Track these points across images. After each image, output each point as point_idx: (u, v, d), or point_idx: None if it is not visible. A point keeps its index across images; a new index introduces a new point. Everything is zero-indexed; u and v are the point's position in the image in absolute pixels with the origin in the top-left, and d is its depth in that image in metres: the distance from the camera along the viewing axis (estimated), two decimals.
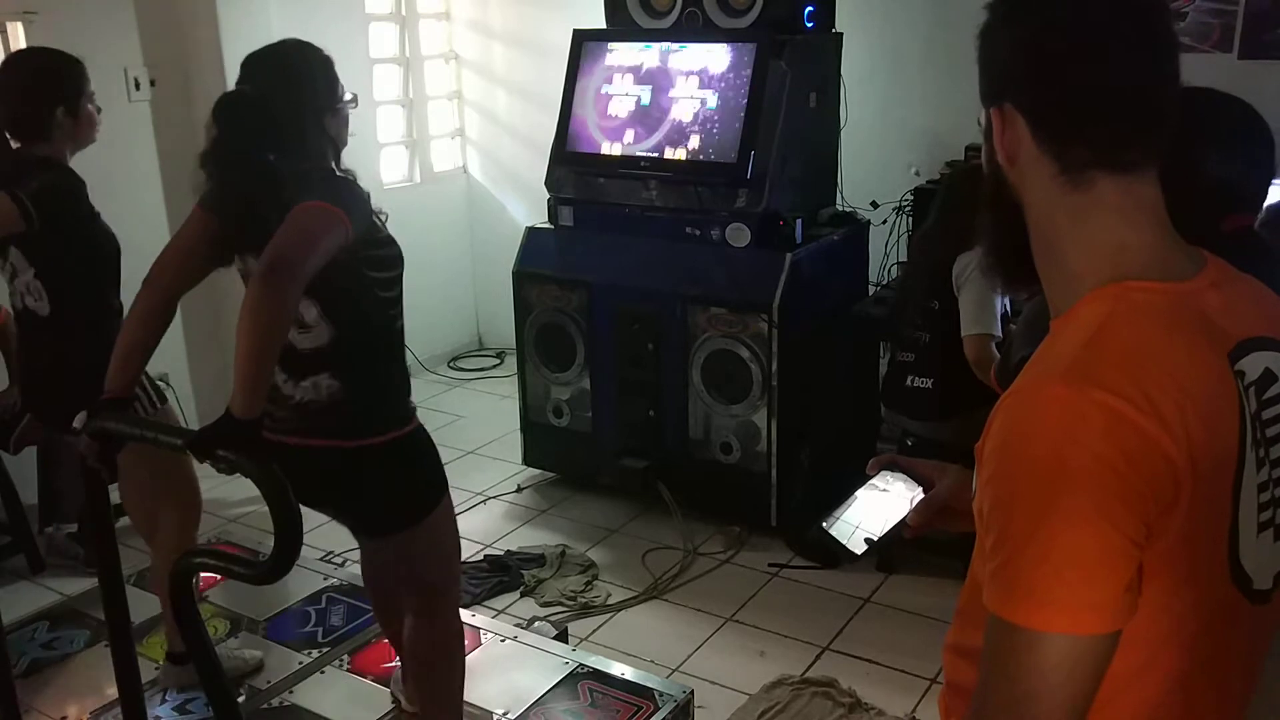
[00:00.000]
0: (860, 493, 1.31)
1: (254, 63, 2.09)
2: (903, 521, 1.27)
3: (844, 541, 1.27)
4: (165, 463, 2.53)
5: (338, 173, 2.10)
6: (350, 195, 1.98)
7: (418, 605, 2.30)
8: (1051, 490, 0.87)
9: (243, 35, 4.14)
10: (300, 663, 2.80)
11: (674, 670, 2.98)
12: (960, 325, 2.96)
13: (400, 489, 2.15)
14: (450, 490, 2.26)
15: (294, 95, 2.04)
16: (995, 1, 1.01)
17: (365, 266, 2.04)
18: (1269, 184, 1.55)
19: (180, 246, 2.10)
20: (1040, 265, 1.03)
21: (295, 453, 2.03)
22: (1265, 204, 1.62)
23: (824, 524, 1.30)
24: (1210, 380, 0.92)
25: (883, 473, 1.32)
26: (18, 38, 3.77)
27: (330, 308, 2.02)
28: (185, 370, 4.31)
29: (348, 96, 2.14)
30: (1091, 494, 0.86)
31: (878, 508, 1.29)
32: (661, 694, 2.62)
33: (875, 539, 1.27)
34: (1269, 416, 0.97)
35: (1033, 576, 0.89)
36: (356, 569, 3.38)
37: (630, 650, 3.06)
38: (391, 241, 2.10)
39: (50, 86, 2.61)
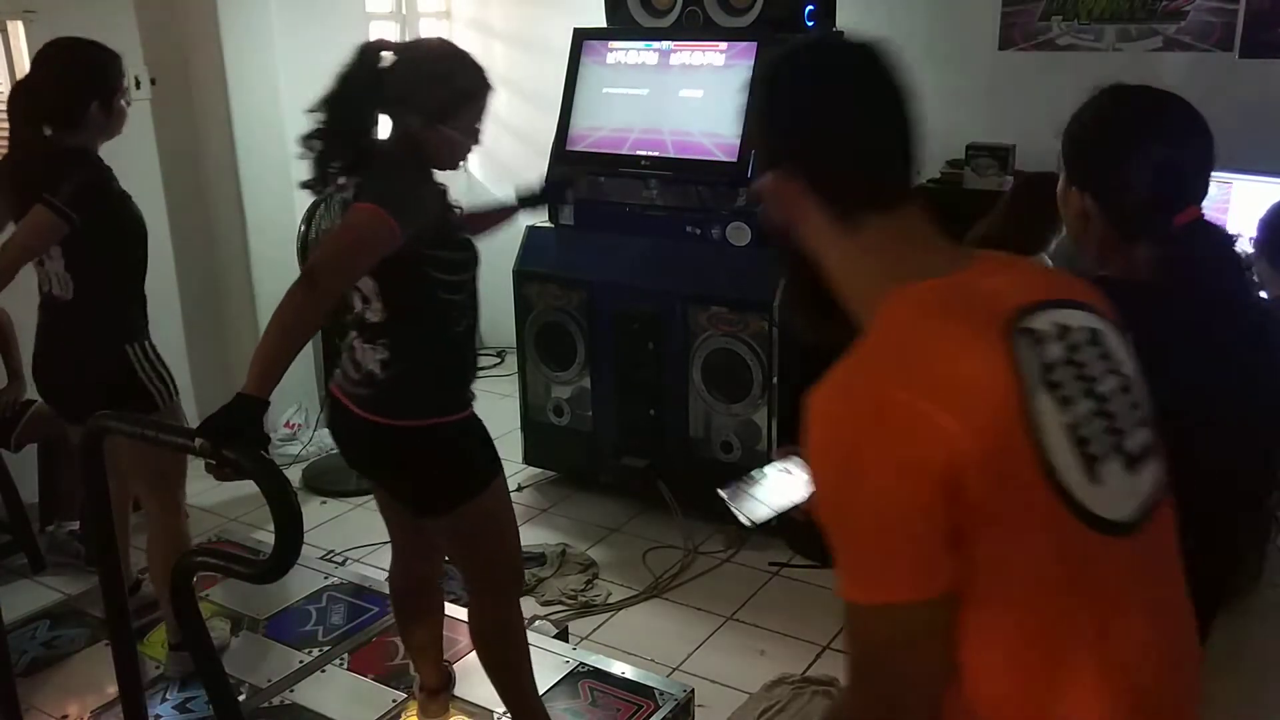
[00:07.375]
0: (769, 469, 1.43)
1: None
2: (798, 506, 1.38)
3: (738, 511, 1.40)
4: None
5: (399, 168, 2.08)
6: (405, 198, 1.97)
7: (474, 589, 2.36)
8: (849, 476, 0.99)
9: (242, 33, 4.14)
10: (301, 661, 2.81)
11: (674, 669, 2.98)
12: None
13: (438, 474, 2.17)
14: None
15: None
16: (752, 85, 1.19)
17: (429, 266, 2.07)
18: (1210, 174, 1.63)
19: None
20: (843, 299, 1.14)
21: (350, 419, 2.13)
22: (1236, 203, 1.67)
23: (721, 490, 1.43)
24: (980, 351, 1.01)
25: (790, 457, 1.42)
26: (18, 37, 3.77)
27: (388, 293, 2.07)
28: (186, 369, 4.30)
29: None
30: (883, 475, 0.97)
31: (780, 487, 1.41)
32: (662, 693, 2.62)
33: (771, 513, 1.39)
34: (1079, 360, 1.05)
35: (850, 558, 1.01)
36: (357, 568, 3.40)
37: (630, 649, 3.06)
38: (466, 245, 2.16)
39: (91, 80, 2.60)
